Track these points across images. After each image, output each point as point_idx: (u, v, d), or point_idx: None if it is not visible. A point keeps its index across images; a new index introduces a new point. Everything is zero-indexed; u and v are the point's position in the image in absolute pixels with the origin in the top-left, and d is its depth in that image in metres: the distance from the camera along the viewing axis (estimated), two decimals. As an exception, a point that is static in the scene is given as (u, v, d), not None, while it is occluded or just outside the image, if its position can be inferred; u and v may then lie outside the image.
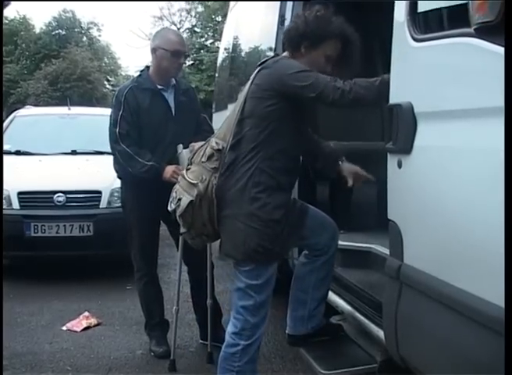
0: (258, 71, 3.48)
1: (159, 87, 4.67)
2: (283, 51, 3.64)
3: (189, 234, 3.65)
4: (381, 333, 3.26)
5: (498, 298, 2.18)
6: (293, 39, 3.55)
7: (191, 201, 3.45)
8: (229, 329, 3.58)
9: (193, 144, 4.44)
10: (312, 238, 3.78)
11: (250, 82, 3.48)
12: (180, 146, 4.48)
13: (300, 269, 3.87)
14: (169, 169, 4.47)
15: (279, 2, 5.12)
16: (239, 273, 3.51)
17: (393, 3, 3.06)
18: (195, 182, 3.45)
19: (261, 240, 3.36)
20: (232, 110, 3.55)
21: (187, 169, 3.56)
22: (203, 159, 3.49)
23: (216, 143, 3.47)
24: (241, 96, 3.50)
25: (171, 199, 3.60)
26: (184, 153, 4.48)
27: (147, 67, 4.77)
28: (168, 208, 3.60)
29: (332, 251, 3.81)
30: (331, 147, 3.95)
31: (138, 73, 4.89)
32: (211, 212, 3.45)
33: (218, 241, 3.56)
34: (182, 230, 3.64)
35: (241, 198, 3.38)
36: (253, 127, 3.39)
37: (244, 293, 3.49)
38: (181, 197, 3.51)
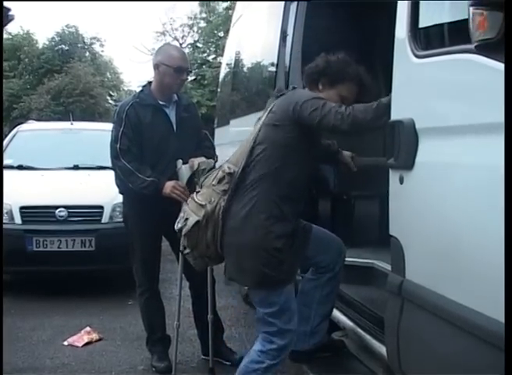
0: (276, 99, 3.57)
1: (161, 102, 4.68)
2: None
3: (192, 255, 3.67)
4: (383, 349, 3.25)
5: (499, 313, 2.18)
6: (312, 75, 3.65)
7: (198, 222, 3.50)
8: (257, 347, 3.59)
9: (192, 159, 4.48)
10: (317, 257, 3.81)
11: (267, 110, 3.55)
12: (180, 161, 4.49)
13: (305, 284, 3.89)
14: (169, 185, 4.47)
15: (281, 18, 5.13)
16: (254, 304, 3.58)
17: (395, 17, 3.07)
18: (203, 203, 3.50)
19: (265, 268, 3.38)
20: (247, 136, 3.60)
21: (197, 192, 3.62)
22: (213, 182, 3.54)
23: (228, 167, 3.51)
24: (258, 123, 3.57)
25: (178, 219, 3.64)
26: (184, 169, 4.50)
27: (149, 83, 4.78)
28: (175, 227, 3.63)
29: (338, 268, 3.83)
30: (326, 141, 3.98)
31: (140, 89, 4.90)
32: (215, 234, 3.49)
33: (222, 264, 3.59)
34: (185, 250, 3.66)
35: (245, 226, 3.41)
36: (266, 154, 3.44)
37: (265, 321, 3.53)
38: (188, 217, 3.55)
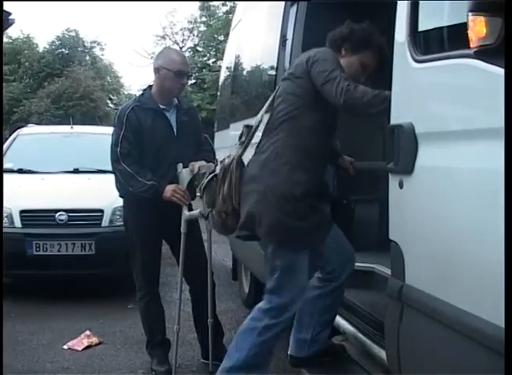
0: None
1: (161, 106, 4.69)
2: None
3: (211, 214, 3.82)
4: (383, 354, 3.25)
5: (499, 318, 2.18)
6: (336, 40, 3.70)
7: (215, 175, 3.70)
8: (258, 305, 3.61)
9: (193, 163, 4.50)
10: (326, 256, 3.77)
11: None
12: (180, 165, 4.50)
13: (309, 291, 3.85)
14: (169, 189, 4.48)
15: (280, 22, 5.14)
16: (266, 254, 3.60)
17: (395, 19, 3.07)
18: (221, 159, 3.68)
19: (280, 215, 3.39)
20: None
21: None
22: (236, 141, 3.75)
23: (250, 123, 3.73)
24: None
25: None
26: (184, 172, 4.51)
27: (150, 86, 4.79)
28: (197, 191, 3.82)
29: (345, 276, 3.82)
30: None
31: (140, 93, 4.91)
32: (231, 187, 3.55)
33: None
34: (206, 211, 3.87)
35: (263, 173, 3.47)
36: (283, 105, 3.54)
37: (270, 274, 3.54)
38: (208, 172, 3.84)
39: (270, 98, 3.70)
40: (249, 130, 3.71)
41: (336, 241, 3.81)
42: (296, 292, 3.54)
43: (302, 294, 3.61)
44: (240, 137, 3.71)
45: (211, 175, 3.76)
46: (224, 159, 3.68)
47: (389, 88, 3.10)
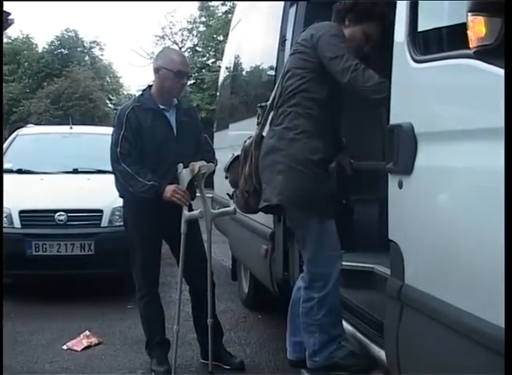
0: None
1: (161, 106, 4.69)
2: None
3: (235, 195, 3.97)
4: (382, 354, 3.25)
5: (498, 318, 2.18)
6: (340, 11, 3.79)
7: (237, 156, 3.92)
8: (302, 285, 3.73)
9: (193, 163, 4.50)
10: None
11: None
12: (180, 165, 4.50)
13: (296, 293, 3.90)
14: (169, 189, 4.48)
15: (280, 22, 5.14)
16: (291, 226, 3.78)
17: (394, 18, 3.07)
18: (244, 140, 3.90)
19: (301, 181, 3.54)
20: None
21: None
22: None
23: (264, 103, 3.88)
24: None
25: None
26: (184, 172, 4.51)
27: (149, 87, 4.79)
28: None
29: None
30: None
31: (140, 93, 4.90)
32: (251, 167, 3.74)
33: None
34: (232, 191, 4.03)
35: (280, 143, 3.61)
36: (291, 78, 3.67)
37: (302, 246, 3.69)
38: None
39: (280, 76, 3.84)
40: (264, 110, 3.86)
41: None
42: (332, 258, 3.65)
43: (338, 259, 3.69)
44: (258, 118, 3.89)
45: (235, 156, 3.94)
46: (245, 141, 3.88)
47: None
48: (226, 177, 4.10)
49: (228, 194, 4.28)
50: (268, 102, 3.87)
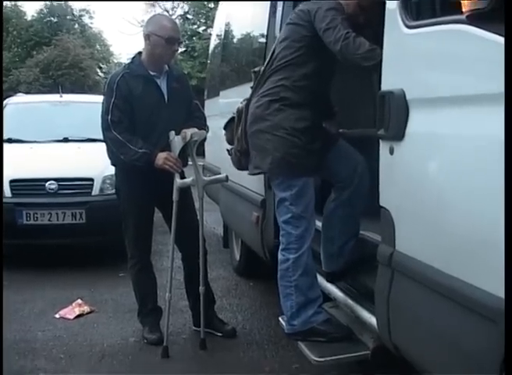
0: None
1: (152, 73, 4.66)
2: None
3: (231, 150, 4.19)
4: (373, 320, 3.27)
5: (489, 284, 2.19)
6: None
7: (232, 118, 4.10)
8: (279, 247, 3.82)
9: (184, 130, 4.49)
10: (334, 167, 3.94)
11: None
12: (172, 133, 4.48)
13: (327, 206, 4.03)
14: (161, 156, 4.46)
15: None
16: (274, 189, 3.85)
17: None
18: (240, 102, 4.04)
19: (287, 148, 3.65)
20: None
21: None
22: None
23: (258, 68, 3.99)
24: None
25: None
26: (176, 140, 4.49)
27: (139, 53, 4.74)
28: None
29: (356, 182, 3.91)
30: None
31: (130, 60, 4.85)
32: (242, 129, 3.90)
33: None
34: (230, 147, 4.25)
35: (267, 112, 3.71)
36: (286, 48, 3.74)
37: (282, 207, 3.76)
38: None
39: (274, 44, 3.91)
40: (257, 76, 3.93)
41: (342, 151, 4.00)
42: (308, 219, 3.76)
43: (313, 221, 3.81)
44: (254, 82, 3.98)
45: (231, 116, 4.12)
46: (241, 102, 4.03)
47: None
48: (224, 135, 4.30)
49: (227, 150, 4.40)
50: (262, 68, 3.92)
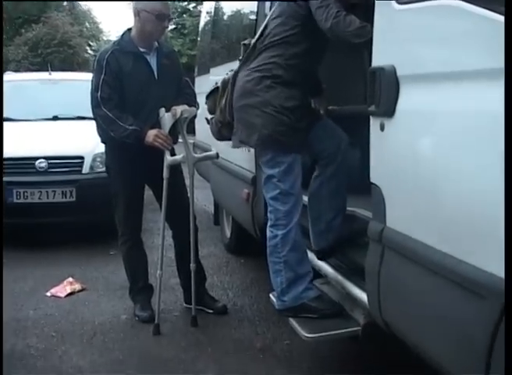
0: None
1: (142, 50, 4.63)
2: None
3: (211, 120, 4.18)
4: (364, 297, 3.27)
5: (478, 260, 2.20)
6: None
7: (217, 88, 4.07)
8: (268, 224, 3.84)
9: (175, 107, 4.47)
10: (318, 145, 3.95)
11: None
12: (162, 110, 4.47)
13: (312, 184, 4.03)
14: (151, 133, 4.45)
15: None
16: (262, 167, 3.86)
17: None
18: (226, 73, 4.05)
19: (275, 126, 3.66)
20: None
21: None
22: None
23: (248, 40, 3.97)
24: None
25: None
26: (166, 117, 4.49)
27: (129, 29, 4.71)
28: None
29: (339, 159, 3.94)
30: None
31: (120, 36, 4.82)
32: (227, 101, 3.90)
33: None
34: (210, 117, 4.22)
35: (258, 88, 3.70)
36: (280, 25, 3.74)
37: (269, 184, 3.78)
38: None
39: (267, 18, 3.89)
40: (246, 48, 3.90)
41: (327, 129, 4.01)
42: (296, 195, 3.77)
43: (301, 197, 3.84)
44: (243, 55, 3.94)
45: (215, 86, 4.08)
46: (227, 73, 4.02)
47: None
48: (206, 103, 4.25)
49: (206, 119, 4.39)
50: (253, 41, 3.88)
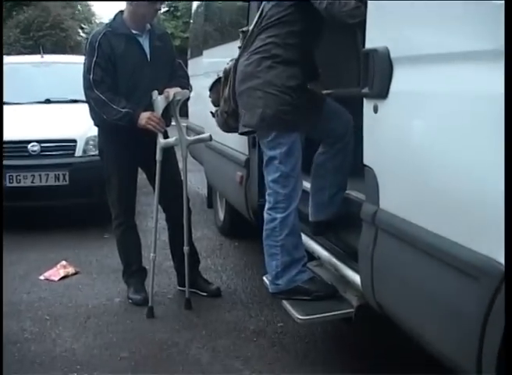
0: None
1: (134, 32, 4.61)
2: None
3: (216, 113, 4.16)
4: (357, 279, 3.28)
5: (472, 242, 2.20)
6: None
7: (219, 78, 4.07)
8: (266, 207, 3.81)
9: (167, 90, 4.46)
10: (327, 124, 3.95)
11: None
12: (155, 92, 4.45)
13: (317, 157, 4.04)
14: (144, 116, 4.44)
15: None
16: (264, 148, 3.82)
17: None
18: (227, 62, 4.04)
19: (279, 105, 3.63)
20: None
21: None
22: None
23: (246, 27, 3.98)
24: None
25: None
26: (159, 99, 4.47)
27: (121, 12, 4.69)
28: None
29: (347, 140, 3.95)
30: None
31: (112, 19, 4.79)
32: (230, 90, 3.87)
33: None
34: (214, 109, 4.20)
35: (259, 70, 3.69)
36: (274, 6, 3.73)
37: (271, 166, 3.75)
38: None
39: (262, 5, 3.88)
40: (245, 35, 3.90)
41: (333, 110, 4.00)
42: (296, 179, 3.75)
43: (301, 181, 3.82)
44: (241, 42, 3.94)
45: (218, 76, 4.08)
46: (228, 63, 4.00)
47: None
48: (209, 96, 4.24)
49: (211, 112, 4.35)
50: (250, 27, 3.88)
